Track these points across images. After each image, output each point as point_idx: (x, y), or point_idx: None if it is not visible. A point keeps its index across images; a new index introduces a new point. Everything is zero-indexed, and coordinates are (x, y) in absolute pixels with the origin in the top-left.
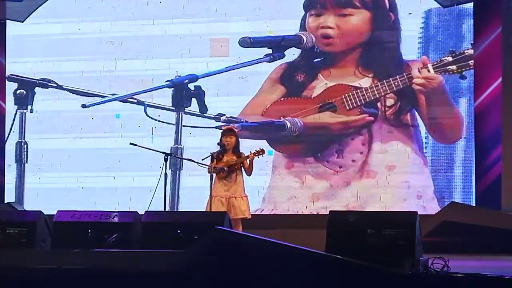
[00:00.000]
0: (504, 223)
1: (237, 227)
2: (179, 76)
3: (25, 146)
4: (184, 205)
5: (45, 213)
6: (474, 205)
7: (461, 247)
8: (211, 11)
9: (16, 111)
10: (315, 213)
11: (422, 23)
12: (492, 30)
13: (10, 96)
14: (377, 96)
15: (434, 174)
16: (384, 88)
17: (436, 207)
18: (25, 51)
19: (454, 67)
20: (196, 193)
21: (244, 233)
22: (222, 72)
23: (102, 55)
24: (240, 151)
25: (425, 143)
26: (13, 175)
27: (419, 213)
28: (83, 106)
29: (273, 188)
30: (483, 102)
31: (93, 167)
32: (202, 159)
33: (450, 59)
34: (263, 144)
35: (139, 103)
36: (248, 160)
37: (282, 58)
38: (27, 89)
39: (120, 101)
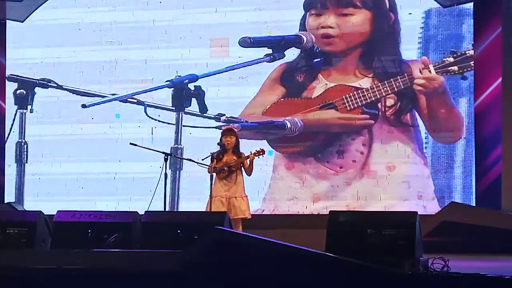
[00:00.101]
0: (504, 223)
1: (237, 227)
2: (179, 76)
3: (25, 146)
4: (184, 205)
5: (45, 213)
6: (474, 205)
7: (461, 247)
8: (211, 11)
9: (16, 111)
10: (316, 213)
11: (422, 23)
12: (492, 30)
13: (10, 96)
14: (378, 96)
15: (434, 174)
16: (385, 88)
17: (436, 207)
18: (25, 46)
19: (455, 68)
20: (196, 193)
21: (244, 233)
22: (222, 72)
23: (101, 55)
24: (240, 151)
25: (425, 143)
26: (13, 175)
27: (419, 213)
28: (83, 106)
29: (274, 188)
30: (483, 102)
31: (93, 167)
32: (202, 159)
33: (451, 59)
34: (263, 144)
35: (139, 103)
36: (248, 160)
37: (282, 58)
38: (27, 89)
39: (120, 101)
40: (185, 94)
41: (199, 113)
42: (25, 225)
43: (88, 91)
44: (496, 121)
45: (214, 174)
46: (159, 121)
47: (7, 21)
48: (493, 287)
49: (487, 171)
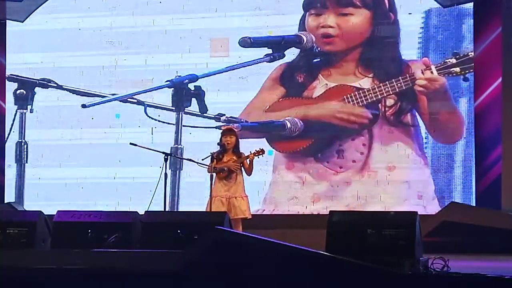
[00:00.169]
0: (504, 223)
1: (237, 227)
2: (179, 76)
3: (25, 146)
4: (184, 205)
5: (45, 213)
6: (474, 205)
7: (461, 247)
8: (211, 11)
9: (16, 111)
10: (316, 213)
11: (422, 23)
12: (492, 30)
13: (10, 96)
14: (380, 96)
15: (434, 174)
16: (386, 89)
17: (436, 207)
18: (25, 50)
19: (457, 69)
20: (196, 193)
21: (244, 233)
22: (222, 72)
23: (102, 55)
24: (240, 151)
25: (425, 143)
26: (13, 175)
27: (419, 213)
28: (83, 106)
29: (274, 188)
30: (483, 102)
31: (93, 167)
32: (202, 159)
33: (454, 61)
34: (263, 143)
35: (139, 103)
36: (248, 160)
37: (282, 58)
38: (27, 89)
39: (120, 101)
40: (185, 94)
41: (199, 113)
42: (25, 225)
43: (88, 91)
44: (496, 121)
45: (214, 174)
46: (159, 121)
47: (7, 21)
48: (493, 287)
49: (487, 171)
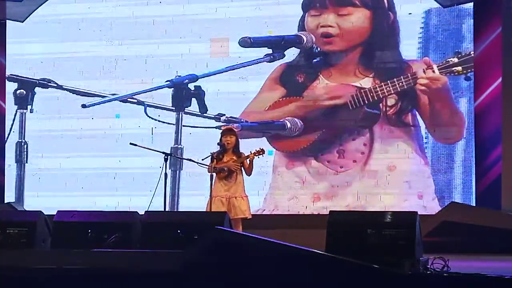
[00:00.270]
0: (504, 223)
1: (237, 227)
2: (179, 76)
3: (25, 146)
4: (184, 205)
5: (45, 213)
6: (474, 205)
7: (461, 247)
8: (211, 11)
9: (16, 111)
10: (316, 213)
11: (422, 23)
12: (492, 30)
13: (10, 96)
14: (381, 96)
15: (434, 174)
16: (388, 88)
17: (436, 207)
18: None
19: (459, 68)
20: (196, 193)
21: (244, 233)
22: (222, 72)
23: (102, 55)
24: (240, 151)
25: (425, 143)
26: (13, 175)
27: (419, 213)
28: (83, 106)
29: (274, 188)
30: (483, 102)
31: (93, 167)
32: (202, 159)
33: (456, 60)
34: (263, 143)
35: (139, 103)
36: (248, 160)
37: (282, 58)
38: (27, 89)
39: (120, 101)
40: (185, 94)
41: (199, 113)
42: (25, 225)
43: (88, 91)
44: (496, 121)
45: (214, 174)
46: (159, 121)
47: (7, 21)
48: (493, 287)
49: (487, 171)
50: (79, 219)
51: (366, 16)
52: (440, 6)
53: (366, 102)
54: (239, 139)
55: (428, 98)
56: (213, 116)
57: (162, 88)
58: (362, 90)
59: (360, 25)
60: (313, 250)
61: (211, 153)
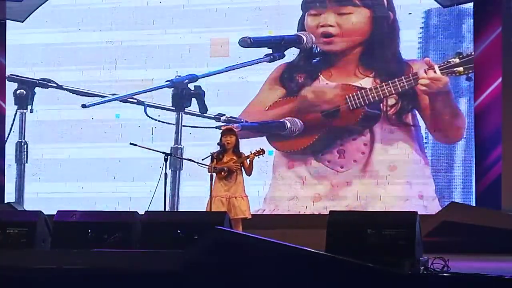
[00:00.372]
0: (504, 223)
1: (237, 227)
2: (179, 76)
3: (25, 146)
4: (184, 205)
5: (45, 213)
6: (474, 205)
7: (461, 247)
8: (211, 11)
9: (16, 111)
10: (316, 213)
11: (422, 23)
12: (492, 30)
13: (10, 96)
14: (382, 96)
15: (434, 174)
16: (389, 89)
17: (437, 207)
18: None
19: (461, 68)
20: (196, 193)
21: (244, 233)
22: (222, 72)
23: (102, 55)
24: (240, 151)
25: (425, 143)
26: (13, 175)
27: (420, 213)
28: (83, 106)
29: (274, 188)
30: (483, 102)
31: (93, 167)
32: (202, 159)
33: (457, 60)
34: (263, 143)
35: (139, 103)
36: (248, 160)
37: (282, 58)
38: (27, 89)
39: (120, 101)
40: (185, 94)
41: (199, 113)
42: (25, 225)
43: (88, 91)
44: (496, 121)
45: (214, 174)
46: (159, 121)
47: (7, 21)
48: (493, 287)
49: (487, 171)
50: (79, 219)
51: (366, 16)
52: (440, 6)
53: (367, 102)
54: (239, 139)
55: (429, 98)
56: (213, 116)
57: (162, 88)
58: (362, 90)
59: (360, 25)
60: (313, 250)
61: (211, 153)
